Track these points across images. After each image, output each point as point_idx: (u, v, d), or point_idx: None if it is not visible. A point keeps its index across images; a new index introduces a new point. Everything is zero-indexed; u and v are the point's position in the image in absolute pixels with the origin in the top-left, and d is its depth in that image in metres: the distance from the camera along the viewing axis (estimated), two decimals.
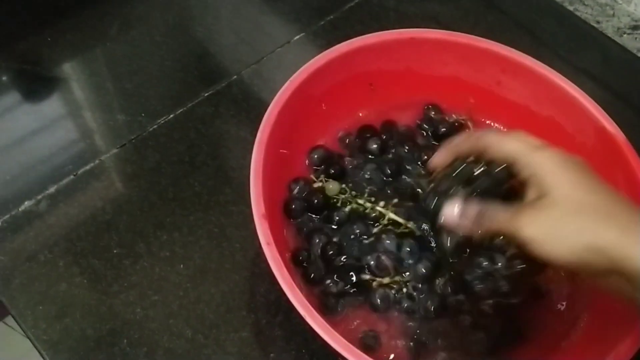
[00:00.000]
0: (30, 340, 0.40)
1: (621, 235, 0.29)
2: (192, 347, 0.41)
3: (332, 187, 0.43)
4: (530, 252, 0.31)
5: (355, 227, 0.42)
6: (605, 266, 0.29)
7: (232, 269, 0.45)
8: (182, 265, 0.45)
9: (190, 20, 0.60)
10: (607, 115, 0.42)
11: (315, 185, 0.44)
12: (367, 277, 0.40)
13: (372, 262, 0.40)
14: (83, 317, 0.42)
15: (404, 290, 0.40)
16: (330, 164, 0.45)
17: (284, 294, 0.33)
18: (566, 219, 0.30)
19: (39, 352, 0.40)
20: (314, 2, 0.63)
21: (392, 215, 0.42)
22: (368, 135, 0.47)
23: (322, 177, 0.44)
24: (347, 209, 0.43)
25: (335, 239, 0.42)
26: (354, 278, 0.40)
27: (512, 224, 0.31)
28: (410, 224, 0.41)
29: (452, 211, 0.34)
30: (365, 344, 0.39)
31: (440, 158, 0.37)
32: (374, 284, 0.40)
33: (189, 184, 0.49)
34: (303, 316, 0.32)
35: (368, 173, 0.45)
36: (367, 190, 0.44)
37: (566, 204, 0.30)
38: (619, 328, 0.35)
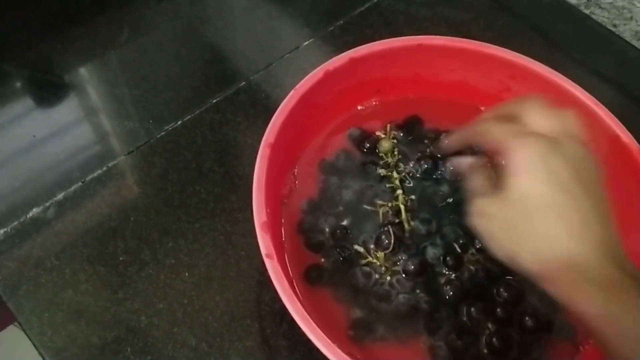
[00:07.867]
0: (35, 347, 0.41)
1: (594, 249, 0.25)
2: (196, 355, 0.41)
3: (386, 144, 0.44)
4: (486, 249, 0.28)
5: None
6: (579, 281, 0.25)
7: (237, 277, 0.45)
8: (187, 273, 0.45)
9: (199, 27, 0.60)
10: (621, 123, 0.41)
11: (377, 133, 0.45)
12: (360, 249, 0.41)
13: (377, 235, 0.41)
14: (88, 324, 0.42)
15: (388, 278, 0.40)
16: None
17: None
18: (528, 221, 0.26)
19: (43, 359, 0.40)
20: (323, 7, 0.62)
21: (402, 206, 0.42)
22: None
23: (387, 131, 0.45)
24: (380, 171, 0.44)
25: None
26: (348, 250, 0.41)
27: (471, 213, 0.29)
28: (412, 223, 0.42)
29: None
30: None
31: (448, 145, 0.39)
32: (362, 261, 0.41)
33: (195, 190, 0.49)
34: (305, 332, 0.31)
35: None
36: (406, 172, 0.44)
37: (521, 202, 0.26)
38: None
